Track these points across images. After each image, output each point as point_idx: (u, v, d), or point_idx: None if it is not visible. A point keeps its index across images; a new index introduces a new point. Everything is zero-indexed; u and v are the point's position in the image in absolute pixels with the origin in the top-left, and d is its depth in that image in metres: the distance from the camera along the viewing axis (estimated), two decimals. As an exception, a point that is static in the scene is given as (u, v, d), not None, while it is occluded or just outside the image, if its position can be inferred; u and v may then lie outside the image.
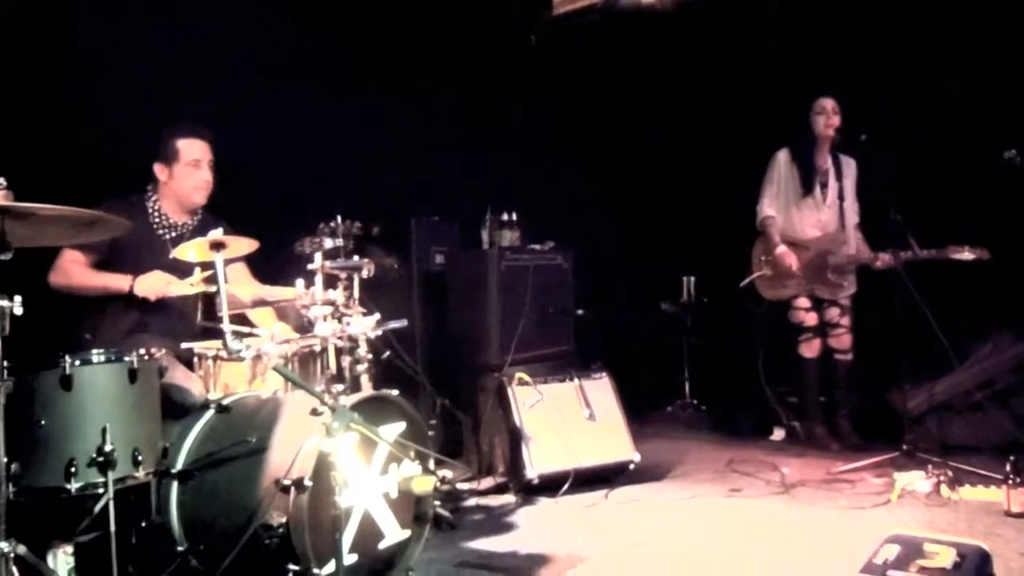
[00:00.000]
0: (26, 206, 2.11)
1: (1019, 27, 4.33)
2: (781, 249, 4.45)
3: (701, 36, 5.26)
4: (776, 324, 4.78)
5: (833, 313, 4.47)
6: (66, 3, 3.49)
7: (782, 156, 4.58)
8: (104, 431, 2.25)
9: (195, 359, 2.94)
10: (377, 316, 3.04)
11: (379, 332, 3.05)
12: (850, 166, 4.52)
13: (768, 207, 4.57)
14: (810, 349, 4.49)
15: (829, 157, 4.49)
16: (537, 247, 4.34)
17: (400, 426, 2.66)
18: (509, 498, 3.64)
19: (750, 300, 4.78)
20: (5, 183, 2.17)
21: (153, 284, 2.97)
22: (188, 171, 3.20)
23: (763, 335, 5.10)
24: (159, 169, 3.20)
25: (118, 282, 3.00)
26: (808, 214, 4.51)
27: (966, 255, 3.90)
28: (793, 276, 4.44)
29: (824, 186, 4.49)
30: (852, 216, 4.48)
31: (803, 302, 4.49)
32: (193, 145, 3.21)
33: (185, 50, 3.80)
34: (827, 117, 4.39)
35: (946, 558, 2.20)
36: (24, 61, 3.37)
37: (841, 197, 4.45)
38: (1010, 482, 3.16)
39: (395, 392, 2.73)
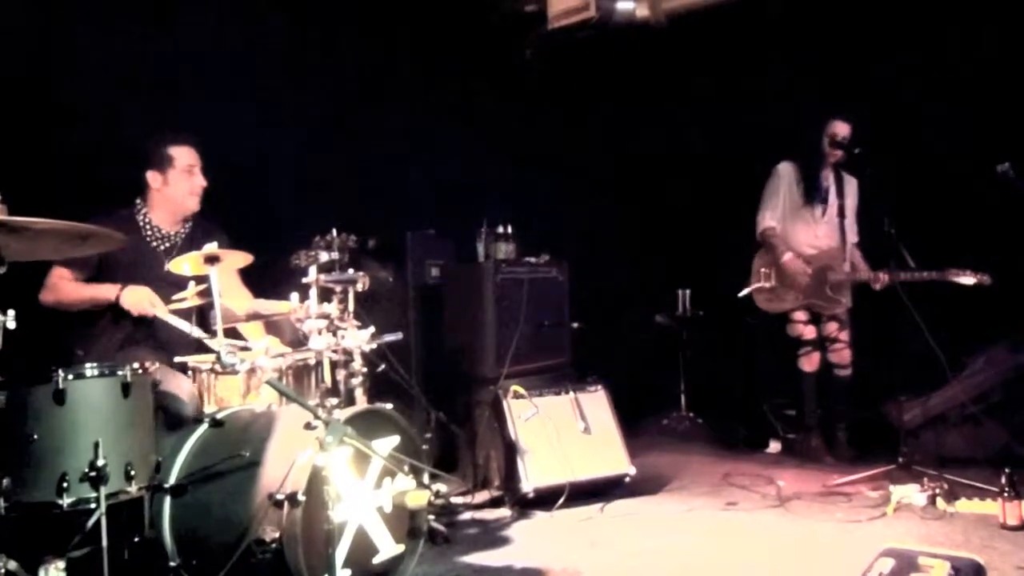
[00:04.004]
0: (20, 220, 2.11)
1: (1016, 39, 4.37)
2: (789, 256, 4.43)
3: (697, 49, 5.29)
4: (772, 336, 4.78)
5: (832, 327, 4.46)
6: (64, 19, 3.51)
7: (785, 169, 4.58)
8: (97, 445, 2.24)
9: (189, 373, 2.94)
10: (372, 329, 3.04)
11: (374, 345, 3.05)
12: (851, 184, 4.52)
13: (770, 219, 4.56)
14: (810, 363, 4.48)
15: (832, 174, 4.49)
16: (532, 260, 4.35)
17: (394, 440, 2.66)
18: (504, 512, 3.63)
19: (747, 312, 4.79)
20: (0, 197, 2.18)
21: (139, 299, 2.97)
22: (183, 177, 3.22)
23: (760, 347, 5.11)
24: (152, 177, 3.21)
25: (105, 292, 3.01)
26: (805, 229, 4.52)
27: (967, 279, 3.88)
28: (796, 286, 4.43)
29: (824, 202, 4.50)
30: (851, 235, 4.49)
31: (801, 315, 4.48)
32: (185, 151, 3.24)
33: (181, 63, 3.81)
34: (833, 139, 4.40)
35: (941, 572, 2.20)
36: (21, 79, 3.38)
37: (842, 215, 4.44)
38: (1006, 495, 3.16)
39: (389, 406, 2.73)
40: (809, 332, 4.47)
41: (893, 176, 4.38)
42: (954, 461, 4.05)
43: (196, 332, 2.91)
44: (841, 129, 4.41)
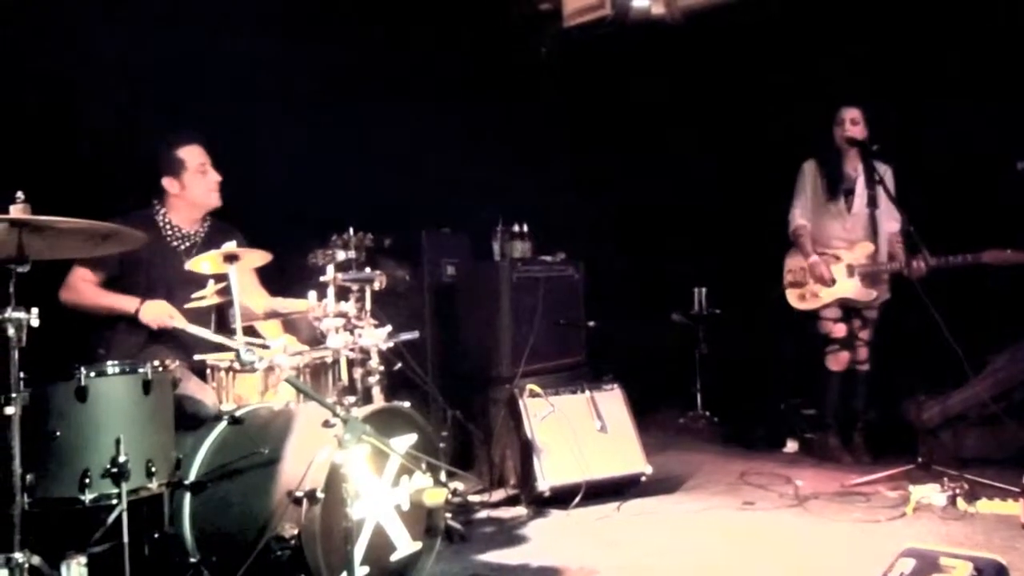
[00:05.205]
0: (44, 219, 2.13)
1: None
2: (814, 259, 4.38)
3: (712, 45, 5.27)
4: (790, 335, 4.76)
5: (855, 324, 4.42)
6: (77, 27, 3.55)
7: (809, 166, 4.54)
8: (118, 442, 2.26)
9: (208, 371, 2.96)
10: (389, 328, 3.05)
11: (391, 344, 3.06)
12: (887, 173, 4.35)
13: (800, 217, 4.51)
14: (837, 362, 4.42)
15: (860, 165, 4.40)
16: (548, 258, 4.35)
17: (412, 438, 2.67)
18: (521, 510, 3.63)
19: (765, 310, 4.76)
20: (23, 196, 2.20)
21: (157, 313, 3.00)
22: (198, 177, 3.24)
23: (777, 346, 5.08)
24: (169, 183, 3.22)
25: (125, 304, 3.04)
26: (834, 223, 4.46)
27: (1008, 258, 3.80)
28: (826, 286, 4.39)
29: (850, 194, 4.44)
30: (887, 223, 4.36)
31: (832, 312, 4.41)
32: (193, 151, 3.25)
33: (196, 65, 3.84)
34: (843, 128, 4.36)
35: (962, 572, 2.17)
36: (38, 79, 3.42)
37: (874, 204, 4.35)
38: (1027, 495, 3.13)
39: (406, 404, 2.74)
40: (839, 330, 4.40)
41: (913, 174, 4.36)
42: (974, 461, 4.01)
43: (216, 338, 2.93)
44: (849, 114, 4.36)
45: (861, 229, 4.40)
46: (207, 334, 2.96)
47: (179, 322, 3.00)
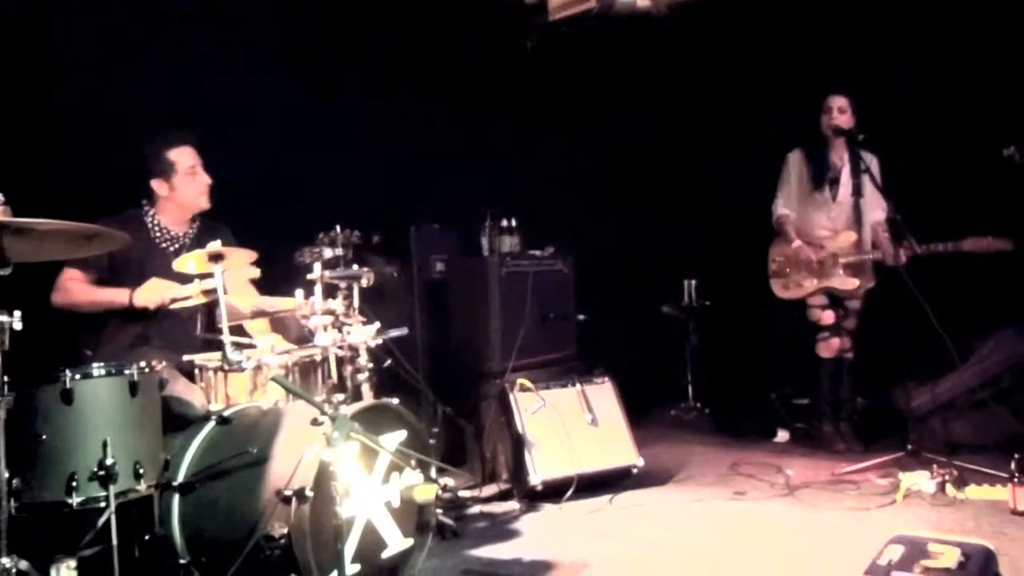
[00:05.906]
0: (24, 221, 2.12)
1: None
2: (797, 244, 4.41)
3: (698, 39, 5.27)
4: (780, 325, 4.77)
5: (839, 314, 4.44)
6: (66, 17, 3.52)
7: (794, 156, 4.56)
8: (105, 445, 2.25)
9: (196, 371, 2.94)
10: (377, 325, 3.04)
11: (379, 341, 3.05)
12: (872, 162, 4.33)
13: (783, 206, 4.55)
14: (828, 348, 4.43)
15: (846, 154, 4.40)
16: (537, 253, 4.35)
17: (401, 435, 2.66)
18: (513, 505, 3.63)
19: (753, 301, 4.77)
20: (3, 199, 2.18)
21: (152, 292, 2.97)
22: (188, 180, 3.21)
23: (767, 336, 5.10)
24: (158, 185, 3.19)
25: (119, 296, 3.01)
26: (819, 212, 4.47)
27: (987, 245, 3.84)
28: (810, 273, 4.41)
29: (835, 183, 4.45)
30: (873, 212, 4.37)
31: (819, 300, 4.43)
32: (184, 152, 3.21)
33: (181, 64, 3.81)
34: (830, 116, 4.37)
35: (951, 558, 2.19)
36: (23, 80, 3.39)
37: (859, 194, 4.36)
38: (1015, 480, 3.15)
39: (396, 401, 2.73)
40: (827, 317, 4.41)
41: (899, 162, 4.38)
42: (963, 447, 4.03)
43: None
44: (836, 102, 4.36)
45: (845, 218, 4.41)
46: (205, 298, 2.87)
47: (177, 291, 2.94)
